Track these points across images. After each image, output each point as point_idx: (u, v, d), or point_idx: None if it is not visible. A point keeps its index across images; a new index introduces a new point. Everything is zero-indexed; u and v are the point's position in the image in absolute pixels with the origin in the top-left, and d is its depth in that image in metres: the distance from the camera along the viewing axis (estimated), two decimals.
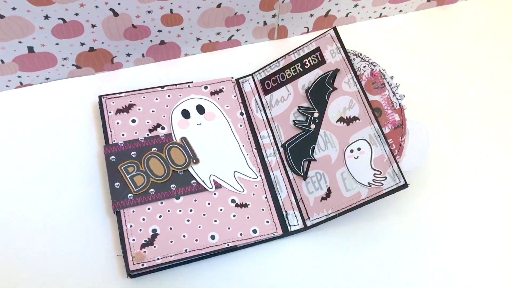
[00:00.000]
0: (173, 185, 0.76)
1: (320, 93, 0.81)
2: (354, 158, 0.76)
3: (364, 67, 0.80)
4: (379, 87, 0.78)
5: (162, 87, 0.85)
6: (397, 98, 0.77)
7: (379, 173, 0.73)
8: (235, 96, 0.86)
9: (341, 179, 0.75)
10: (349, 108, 0.78)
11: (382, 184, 0.72)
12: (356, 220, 0.77)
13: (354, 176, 0.74)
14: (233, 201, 0.76)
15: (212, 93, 0.85)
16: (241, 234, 0.74)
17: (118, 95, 0.83)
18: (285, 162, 0.81)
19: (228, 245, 0.73)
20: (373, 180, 0.73)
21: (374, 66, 0.80)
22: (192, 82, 0.86)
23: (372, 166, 0.74)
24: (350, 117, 0.78)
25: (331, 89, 0.80)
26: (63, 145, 0.81)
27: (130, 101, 0.82)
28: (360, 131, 0.76)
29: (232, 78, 0.88)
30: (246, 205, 0.76)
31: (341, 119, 0.78)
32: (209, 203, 0.76)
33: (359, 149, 0.76)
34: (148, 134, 0.80)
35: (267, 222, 0.75)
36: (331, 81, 0.81)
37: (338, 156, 0.77)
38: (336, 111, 0.79)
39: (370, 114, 0.76)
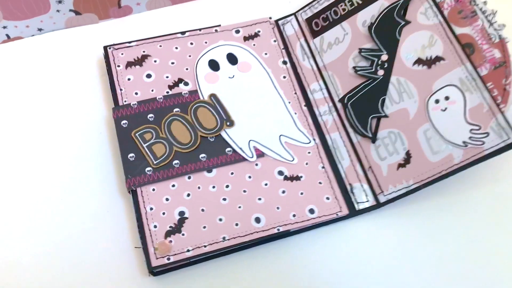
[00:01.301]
0: (202, 155, 0.59)
1: (388, 30, 0.62)
2: (441, 110, 0.57)
3: None
4: (469, 16, 0.59)
5: (183, 33, 0.67)
6: (495, 29, 0.57)
7: (477, 128, 0.54)
8: (275, 41, 0.68)
9: (425, 139, 0.57)
10: (430, 45, 0.59)
11: (483, 143, 0.53)
12: (446, 192, 0.59)
13: (443, 134, 0.56)
14: (280, 173, 0.59)
15: (245, 38, 0.67)
16: (294, 216, 0.56)
17: (128, 44, 0.65)
18: (346, 122, 0.62)
19: (278, 229, 0.55)
20: (469, 138, 0.54)
21: None
22: (220, 25, 0.68)
23: (467, 119, 0.55)
24: (431, 57, 0.59)
25: (403, 23, 0.61)
26: (62, 110, 0.65)
27: (144, 51, 0.65)
28: (446, 75, 0.57)
29: (270, 18, 0.69)
30: (298, 178, 0.58)
31: (419, 61, 0.59)
32: (250, 177, 0.58)
33: (447, 98, 0.57)
34: (168, 92, 0.63)
35: (327, 199, 0.58)
36: (402, 12, 0.62)
37: (419, 109, 0.58)
38: (412, 50, 0.60)
39: (459, 51, 0.57)
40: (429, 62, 0.59)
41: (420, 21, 0.61)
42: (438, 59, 0.58)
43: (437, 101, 0.57)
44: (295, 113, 0.63)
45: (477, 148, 0.54)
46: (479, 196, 0.59)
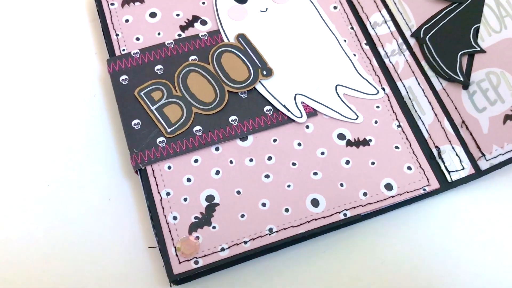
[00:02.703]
0: (233, 117, 0.43)
1: None
2: None
3: None
4: None
5: None
6: None
7: None
8: None
9: None
10: None
11: None
12: None
13: None
14: (341, 136, 0.43)
15: None
16: (365, 194, 0.41)
17: None
18: (423, 63, 0.46)
19: (344, 214, 0.40)
20: None
21: None
22: None
23: None
24: None
25: None
26: (42, 68, 0.49)
27: None
28: None
29: None
30: (366, 142, 0.43)
31: None
32: (300, 144, 0.42)
33: None
34: (180, 35, 0.46)
35: (409, 169, 0.42)
36: None
37: None
38: None
39: None
40: None
41: None
42: None
43: None
44: (354, 55, 0.46)
45: None
46: None
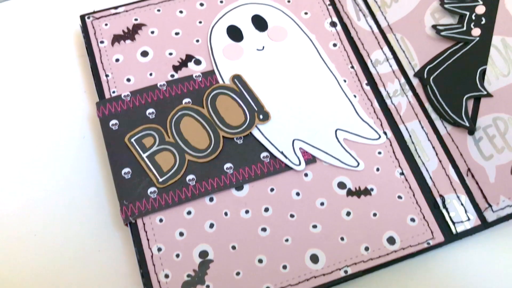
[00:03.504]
0: (228, 165, 0.41)
1: None
2: None
3: None
4: None
5: None
6: None
7: None
8: None
9: None
10: None
11: None
12: None
13: None
14: (342, 185, 0.41)
15: None
16: (367, 249, 0.39)
17: (114, 11, 0.47)
18: (427, 104, 0.44)
19: (345, 271, 0.38)
20: None
21: None
22: None
23: None
24: None
25: None
26: (29, 108, 0.47)
27: (136, 19, 0.46)
28: None
29: None
30: (367, 192, 0.41)
31: None
32: (298, 193, 0.41)
33: None
34: (173, 75, 0.44)
35: (412, 220, 0.40)
36: None
37: None
38: None
39: None
40: None
41: None
42: None
43: None
44: (355, 96, 0.44)
45: None
46: None
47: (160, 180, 0.40)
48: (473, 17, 0.43)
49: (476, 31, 0.43)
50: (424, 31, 0.45)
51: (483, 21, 0.42)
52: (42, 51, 0.49)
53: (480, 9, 0.43)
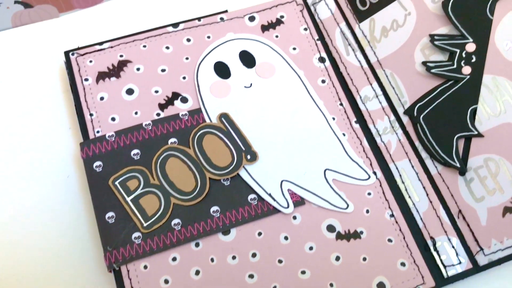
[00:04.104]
0: (214, 208, 0.40)
1: (473, 6, 0.43)
2: None
3: None
4: None
5: (175, 25, 0.47)
6: None
7: None
8: (306, 30, 0.48)
9: None
10: None
11: None
12: None
13: None
14: (331, 228, 0.40)
15: (264, 28, 0.48)
16: None
17: (98, 47, 0.46)
18: (418, 143, 0.43)
19: None
20: None
21: None
22: (226, 11, 0.49)
23: None
24: None
25: None
26: (11, 146, 0.46)
27: (121, 55, 0.46)
28: None
29: None
30: (357, 235, 0.40)
31: None
32: (286, 238, 0.40)
33: None
34: (158, 114, 0.44)
35: (402, 265, 0.39)
36: None
37: None
38: None
39: None
40: None
41: None
42: None
43: None
44: (344, 135, 0.44)
45: None
46: None
47: (145, 225, 0.39)
48: (464, 55, 0.42)
49: (467, 69, 0.42)
50: (414, 67, 0.44)
51: (474, 59, 0.42)
52: (26, 85, 0.48)
53: (471, 47, 0.42)
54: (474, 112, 0.41)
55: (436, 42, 0.43)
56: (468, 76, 0.42)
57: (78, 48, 0.46)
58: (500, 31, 0.41)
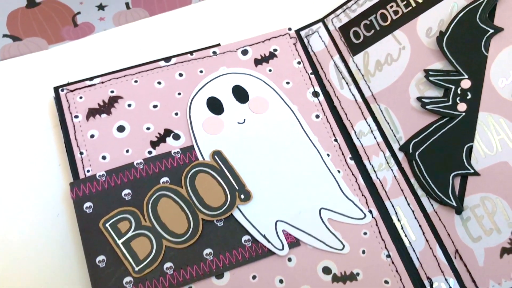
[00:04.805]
0: (207, 251, 0.39)
1: (468, 42, 0.42)
2: None
3: None
4: None
5: (167, 59, 0.46)
6: None
7: None
8: (299, 63, 0.48)
9: None
10: None
11: None
12: None
13: None
14: (327, 270, 0.39)
15: (257, 62, 0.47)
16: None
17: (89, 82, 0.45)
18: (413, 180, 0.43)
19: None
20: None
21: None
22: (219, 44, 0.48)
23: None
24: None
25: (492, 31, 0.41)
26: None
27: (112, 91, 0.45)
28: None
29: (290, 29, 0.49)
30: (353, 277, 0.39)
31: None
32: (281, 281, 0.39)
33: None
34: (150, 152, 0.43)
35: None
36: (488, 15, 0.42)
37: None
38: (508, 73, 0.41)
39: None
40: None
41: None
42: None
43: None
44: (339, 172, 0.43)
45: None
46: None
47: (136, 269, 0.38)
48: (459, 91, 0.42)
49: (462, 106, 0.42)
50: (409, 102, 0.44)
51: (469, 96, 0.41)
52: (15, 119, 0.47)
53: (466, 83, 0.42)
54: (470, 150, 0.41)
55: (431, 78, 0.43)
56: (463, 113, 0.41)
57: (68, 84, 0.45)
58: (495, 68, 0.41)
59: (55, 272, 0.41)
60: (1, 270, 0.41)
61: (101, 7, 0.49)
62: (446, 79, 0.42)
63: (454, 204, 0.40)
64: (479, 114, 0.41)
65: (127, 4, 0.50)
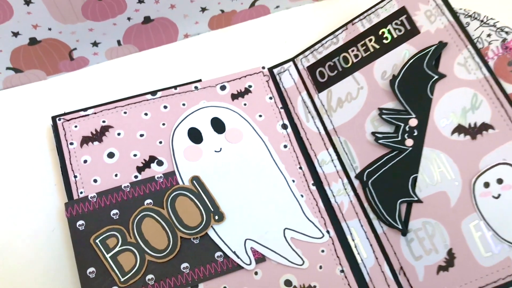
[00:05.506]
0: (184, 265, 0.45)
1: (416, 85, 0.49)
2: (493, 197, 0.44)
3: (489, 36, 0.47)
4: None
5: (154, 93, 0.52)
6: None
7: None
8: (271, 98, 0.54)
9: (472, 235, 0.44)
10: (473, 108, 0.46)
11: None
12: None
13: (496, 230, 0.43)
14: (288, 283, 0.45)
15: (234, 96, 0.53)
16: None
17: (83, 113, 0.51)
18: (367, 205, 0.49)
19: None
20: None
21: (507, 33, 0.47)
22: (200, 80, 0.54)
23: None
24: (476, 124, 0.46)
25: (436, 77, 0.48)
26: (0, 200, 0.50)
27: (104, 121, 0.51)
28: (497, 149, 0.45)
29: (263, 68, 0.55)
30: None
31: (460, 129, 0.46)
32: None
33: (500, 181, 0.44)
34: (136, 176, 0.48)
35: None
36: (433, 62, 0.48)
37: (462, 193, 0.45)
38: (449, 114, 0.47)
39: None
40: (473, 131, 0.45)
41: (459, 75, 0.47)
42: (485, 127, 0.45)
43: (486, 185, 0.44)
44: (302, 196, 0.49)
45: None
46: None
47: (122, 279, 0.44)
48: (407, 129, 0.48)
49: (409, 142, 0.48)
50: (365, 136, 0.50)
51: (415, 133, 0.48)
52: (15, 142, 0.53)
53: (413, 122, 0.48)
54: (415, 180, 0.47)
55: (383, 116, 0.49)
56: (410, 148, 0.48)
57: (65, 114, 0.51)
58: (438, 109, 0.47)
59: (50, 281, 0.47)
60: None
61: (95, 43, 0.55)
62: (396, 117, 0.49)
63: (400, 227, 0.46)
64: (423, 149, 0.47)
65: (118, 41, 0.55)
